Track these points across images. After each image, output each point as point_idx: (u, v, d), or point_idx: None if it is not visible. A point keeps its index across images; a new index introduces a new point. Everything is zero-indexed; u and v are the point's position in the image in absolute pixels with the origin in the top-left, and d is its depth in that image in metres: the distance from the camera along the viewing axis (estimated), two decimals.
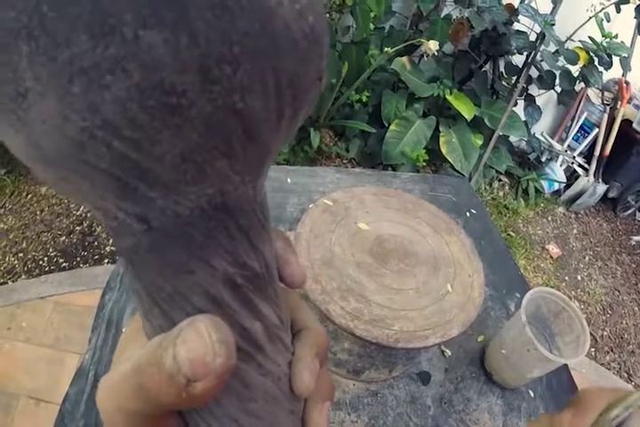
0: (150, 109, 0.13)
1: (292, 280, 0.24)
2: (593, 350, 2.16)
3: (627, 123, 2.73)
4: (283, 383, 0.22)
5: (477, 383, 0.83)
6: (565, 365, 0.86)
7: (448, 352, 0.85)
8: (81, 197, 0.17)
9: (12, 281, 1.87)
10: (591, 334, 2.22)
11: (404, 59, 2.40)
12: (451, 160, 2.40)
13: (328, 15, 2.24)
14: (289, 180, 1.15)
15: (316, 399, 0.24)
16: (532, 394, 0.84)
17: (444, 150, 2.40)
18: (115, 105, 0.13)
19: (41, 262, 1.95)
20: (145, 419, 0.18)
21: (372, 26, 2.29)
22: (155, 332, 0.19)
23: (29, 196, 2.19)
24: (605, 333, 2.26)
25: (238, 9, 0.13)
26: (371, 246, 0.72)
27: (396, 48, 2.12)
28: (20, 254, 1.97)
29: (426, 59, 2.50)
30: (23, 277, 1.89)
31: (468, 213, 1.19)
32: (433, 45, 2.01)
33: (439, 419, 0.76)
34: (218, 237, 0.18)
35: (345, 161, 2.62)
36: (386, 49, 2.16)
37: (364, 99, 2.39)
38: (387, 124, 2.41)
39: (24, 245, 2.00)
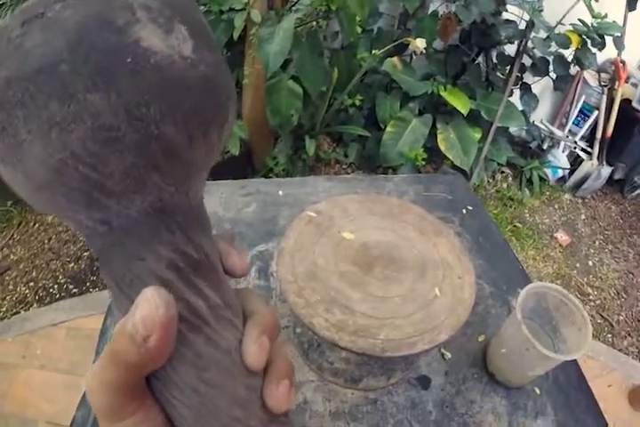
0: (99, 142, 0.20)
1: (233, 270, 0.29)
2: (610, 335, 2.12)
3: (626, 102, 2.70)
4: (234, 358, 0.25)
5: (480, 384, 0.82)
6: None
7: (448, 355, 0.84)
8: (60, 213, 0.24)
9: (25, 310, 1.90)
10: (607, 319, 2.19)
11: (395, 59, 2.40)
12: (450, 157, 2.38)
13: (315, 23, 2.25)
14: (280, 192, 1.15)
15: (272, 376, 0.26)
16: (538, 391, 0.83)
17: (442, 147, 2.38)
18: (77, 142, 0.20)
19: (51, 290, 1.97)
20: (122, 391, 0.23)
21: (359, 29, 2.29)
22: (124, 316, 0.24)
23: (36, 225, 2.22)
24: (621, 317, 2.22)
25: (144, 71, 0.20)
26: (355, 255, 0.72)
27: (385, 49, 2.12)
28: (31, 283, 1.99)
29: (415, 57, 2.51)
30: (35, 305, 1.92)
31: (464, 211, 1.18)
32: (420, 43, 2.00)
33: (441, 423, 0.75)
34: (160, 231, 0.24)
35: (345, 166, 2.62)
36: (374, 51, 2.16)
37: (358, 102, 2.38)
38: (383, 126, 2.40)
39: (34, 274, 2.03)
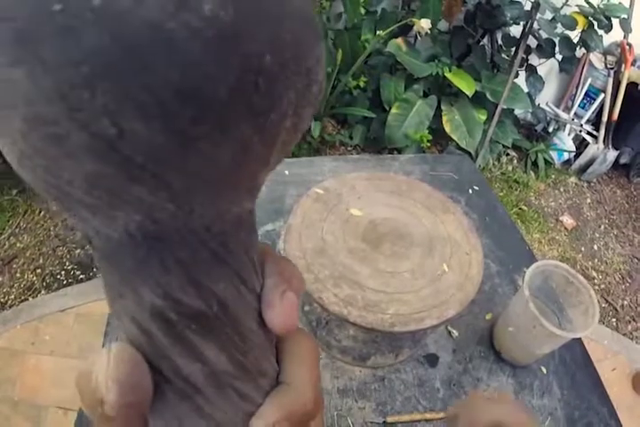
0: (42, 139, 0.13)
1: (272, 326, 0.20)
2: (614, 320, 2.11)
3: (633, 86, 2.66)
4: None
5: (487, 363, 0.82)
6: (579, 338, 0.85)
7: (455, 333, 0.84)
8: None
9: (33, 297, 1.90)
10: (611, 304, 2.17)
11: (399, 40, 2.37)
12: (455, 138, 2.36)
13: (319, 4, 2.22)
14: (286, 172, 1.15)
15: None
16: (544, 371, 0.83)
17: (447, 129, 2.36)
18: (19, 134, 0.13)
19: (59, 276, 1.97)
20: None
21: (363, 10, 2.26)
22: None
23: (42, 213, 2.21)
24: (626, 302, 2.21)
25: (83, 24, 0.12)
26: (363, 232, 0.72)
27: (389, 30, 2.10)
28: (38, 270, 1.99)
29: (420, 38, 2.48)
30: (43, 292, 1.91)
31: (470, 191, 1.18)
32: (425, 24, 1.98)
33: (449, 401, 0.75)
34: (149, 266, 0.17)
35: (350, 148, 2.60)
36: (378, 32, 2.14)
37: (362, 84, 2.36)
38: (388, 108, 2.38)
39: (41, 261, 2.02)
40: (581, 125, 2.82)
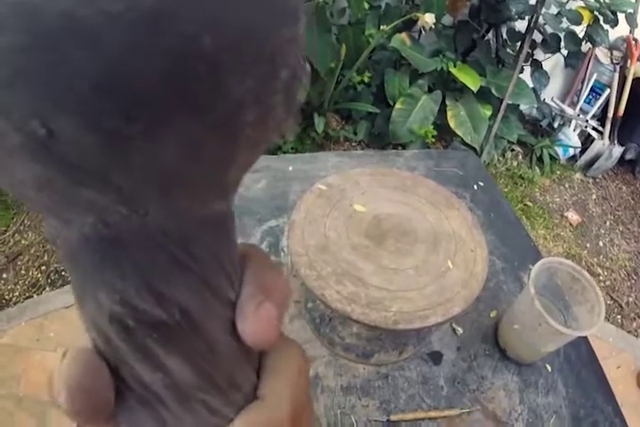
0: None
1: (244, 338, 0.19)
2: (619, 317, 2.10)
3: (639, 81, 2.64)
4: None
5: (491, 361, 0.81)
6: (584, 336, 0.84)
7: (460, 330, 0.83)
8: None
9: (37, 294, 1.90)
10: (616, 300, 2.16)
11: (403, 35, 2.35)
12: (460, 134, 2.35)
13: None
14: (290, 168, 1.14)
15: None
16: (549, 368, 0.82)
17: (452, 124, 2.35)
18: None
19: (63, 273, 1.97)
20: None
21: (367, 5, 2.25)
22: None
23: None
24: (631, 299, 2.19)
25: (1, 20, 0.12)
26: (367, 228, 0.71)
27: (393, 25, 2.09)
28: (43, 267, 1.99)
29: (424, 33, 2.46)
30: (47, 289, 1.91)
31: (475, 186, 1.17)
32: (429, 18, 1.97)
33: (453, 399, 0.75)
34: (105, 270, 0.16)
35: (354, 144, 2.58)
36: (382, 27, 2.13)
37: (367, 79, 2.35)
38: (392, 103, 2.37)
39: (45, 258, 2.02)
40: (587, 121, 2.80)
